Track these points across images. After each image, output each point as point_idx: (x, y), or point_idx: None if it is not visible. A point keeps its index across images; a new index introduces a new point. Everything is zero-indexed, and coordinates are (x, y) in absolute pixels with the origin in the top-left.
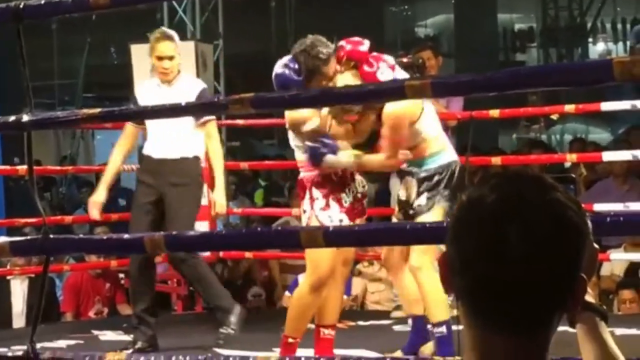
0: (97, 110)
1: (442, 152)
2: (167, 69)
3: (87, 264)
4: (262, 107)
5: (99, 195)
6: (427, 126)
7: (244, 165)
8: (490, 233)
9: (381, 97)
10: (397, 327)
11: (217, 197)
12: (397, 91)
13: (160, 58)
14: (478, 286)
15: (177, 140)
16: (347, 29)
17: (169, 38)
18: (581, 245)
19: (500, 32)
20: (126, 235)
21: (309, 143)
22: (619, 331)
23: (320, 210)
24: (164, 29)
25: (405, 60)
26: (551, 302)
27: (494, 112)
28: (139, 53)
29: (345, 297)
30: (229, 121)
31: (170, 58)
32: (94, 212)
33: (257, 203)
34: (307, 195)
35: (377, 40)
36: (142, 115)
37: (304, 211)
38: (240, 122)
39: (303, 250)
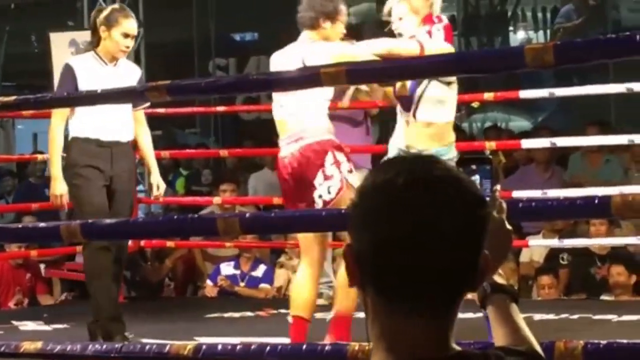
0: (12, 97)
1: (453, 144)
2: (129, 48)
3: (7, 253)
4: (178, 94)
5: (63, 186)
6: (451, 107)
7: (165, 154)
8: (401, 218)
9: (296, 85)
10: (319, 315)
11: (157, 180)
12: (313, 78)
13: (126, 35)
14: (387, 272)
15: (124, 123)
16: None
17: (134, 17)
18: (486, 222)
19: None
20: (42, 224)
21: None
22: (538, 316)
23: (349, 174)
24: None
25: None
26: (458, 282)
27: None
28: (58, 41)
29: (268, 286)
30: (150, 109)
31: (133, 37)
32: (63, 202)
33: (179, 192)
34: (330, 160)
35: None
36: (59, 103)
37: (330, 176)
38: (161, 110)
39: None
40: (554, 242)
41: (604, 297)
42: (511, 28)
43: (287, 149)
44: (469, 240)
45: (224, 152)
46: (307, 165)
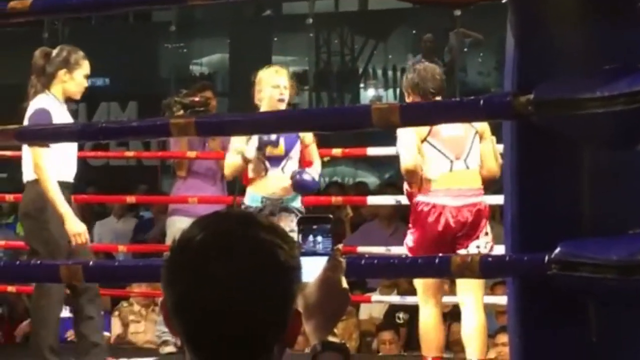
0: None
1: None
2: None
3: None
4: (26, 139)
5: (81, 224)
6: None
7: (10, 197)
8: (199, 273)
9: (146, 135)
10: None
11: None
12: (162, 128)
13: (87, 76)
14: (193, 328)
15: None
16: (121, 65)
17: None
18: (289, 281)
19: None
20: None
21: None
22: None
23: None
24: None
25: (196, 99)
26: (264, 338)
27: None
28: None
29: (106, 333)
30: None
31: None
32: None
33: (20, 234)
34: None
35: (152, 76)
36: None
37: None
38: (7, 153)
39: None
40: (395, 299)
41: (444, 355)
42: (362, 85)
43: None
44: (268, 301)
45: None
46: None
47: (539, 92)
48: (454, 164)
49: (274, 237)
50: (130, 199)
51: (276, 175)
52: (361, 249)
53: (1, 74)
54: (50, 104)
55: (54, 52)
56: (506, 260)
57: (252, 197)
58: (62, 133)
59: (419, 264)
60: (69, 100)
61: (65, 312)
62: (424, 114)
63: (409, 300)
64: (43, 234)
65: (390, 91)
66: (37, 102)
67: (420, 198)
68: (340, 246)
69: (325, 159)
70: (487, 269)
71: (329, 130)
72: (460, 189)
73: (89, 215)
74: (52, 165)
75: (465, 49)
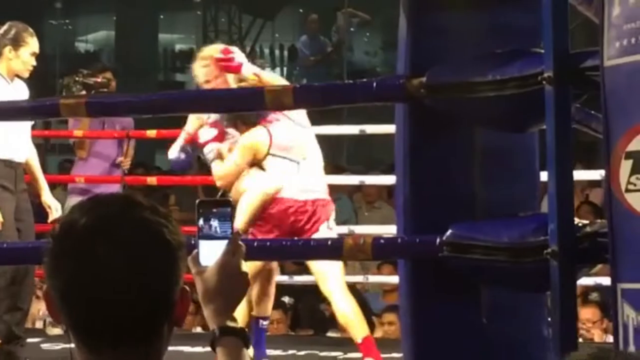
0: None
1: None
2: (33, 67)
3: None
4: None
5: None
6: None
7: None
8: (84, 258)
9: (36, 115)
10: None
11: (51, 201)
12: (52, 109)
13: (34, 54)
14: (81, 314)
15: (23, 143)
16: None
17: None
18: (175, 258)
19: (161, 52)
20: None
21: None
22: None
23: None
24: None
25: (99, 80)
26: (152, 316)
27: (151, 133)
28: None
29: None
30: None
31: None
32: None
33: None
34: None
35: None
36: None
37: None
38: None
39: None
40: (284, 279)
41: (330, 334)
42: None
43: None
44: (156, 281)
45: None
46: None
47: (431, 75)
48: None
49: (157, 217)
50: None
51: None
52: None
53: None
54: None
55: (2, 29)
56: (398, 243)
57: None
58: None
59: (312, 246)
60: (18, 77)
61: None
62: (317, 96)
63: (297, 279)
64: None
65: (278, 70)
66: None
67: None
68: (239, 230)
69: None
70: (379, 251)
71: (224, 111)
72: None
73: None
74: None
75: (352, 29)
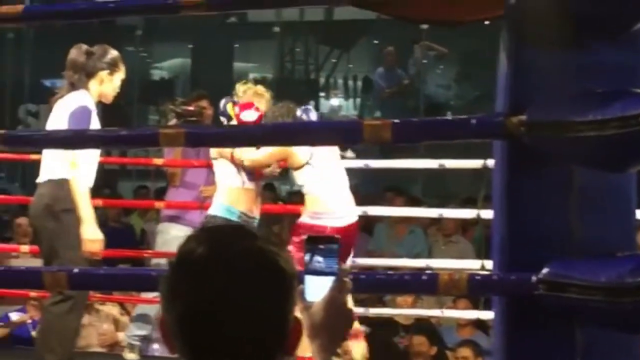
0: None
1: None
2: None
3: None
4: (13, 144)
5: (99, 232)
6: None
7: None
8: (202, 286)
9: (135, 144)
10: None
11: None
12: (151, 138)
13: (121, 80)
14: (198, 341)
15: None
16: None
17: None
18: (290, 288)
19: (235, 80)
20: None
21: None
22: None
23: None
24: None
25: (189, 108)
26: (268, 345)
27: None
28: None
29: None
30: None
31: None
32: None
33: None
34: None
35: None
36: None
37: None
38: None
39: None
40: (359, 310)
41: None
42: (323, 94)
43: None
44: (272, 309)
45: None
46: None
47: (531, 113)
48: None
49: (271, 247)
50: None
51: (254, 190)
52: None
53: None
54: (91, 104)
55: (96, 51)
56: (494, 279)
57: (228, 210)
58: (49, 140)
59: (407, 281)
60: (99, 102)
61: None
62: (416, 131)
63: (372, 311)
64: (70, 237)
65: (351, 101)
66: (80, 99)
67: None
68: (345, 266)
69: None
70: (474, 287)
71: (322, 144)
72: None
73: None
74: (81, 167)
75: (425, 61)
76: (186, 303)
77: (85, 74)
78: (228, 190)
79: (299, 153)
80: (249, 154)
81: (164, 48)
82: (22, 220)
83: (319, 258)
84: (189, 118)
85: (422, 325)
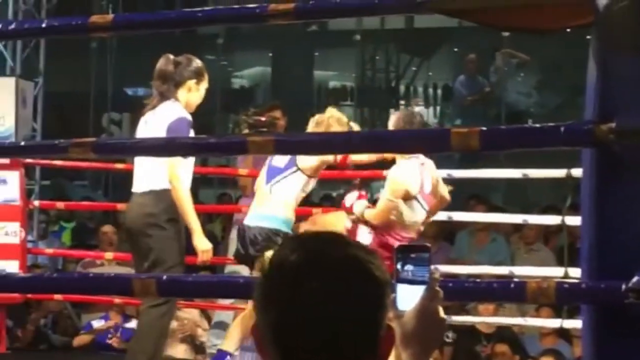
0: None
1: None
2: None
3: None
4: (103, 152)
5: (208, 241)
6: None
7: (60, 205)
8: (296, 293)
9: (223, 151)
10: None
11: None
12: (239, 146)
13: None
14: (292, 348)
15: None
16: None
17: None
18: (382, 294)
19: (316, 88)
20: None
21: None
22: None
23: None
24: None
25: (261, 119)
26: (362, 351)
27: None
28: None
29: None
30: (46, 161)
31: None
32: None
33: (65, 243)
34: None
35: None
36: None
37: None
38: (58, 162)
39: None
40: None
41: None
42: (403, 102)
43: None
44: (366, 316)
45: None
46: None
47: (620, 121)
48: None
49: (364, 254)
50: None
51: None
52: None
53: (52, 82)
54: (187, 114)
55: (183, 60)
56: (582, 288)
57: (286, 223)
58: (140, 148)
59: (494, 289)
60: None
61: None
62: (503, 139)
63: (454, 319)
64: (174, 245)
65: (431, 109)
66: (176, 110)
67: None
68: (437, 275)
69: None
70: (562, 296)
71: (409, 152)
72: None
73: None
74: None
75: (506, 69)
76: (279, 310)
77: (173, 83)
78: (291, 204)
79: (411, 187)
80: (369, 213)
81: (244, 56)
82: (108, 228)
83: (410, 267)
84: (260, 129)
85: (504, 334)
